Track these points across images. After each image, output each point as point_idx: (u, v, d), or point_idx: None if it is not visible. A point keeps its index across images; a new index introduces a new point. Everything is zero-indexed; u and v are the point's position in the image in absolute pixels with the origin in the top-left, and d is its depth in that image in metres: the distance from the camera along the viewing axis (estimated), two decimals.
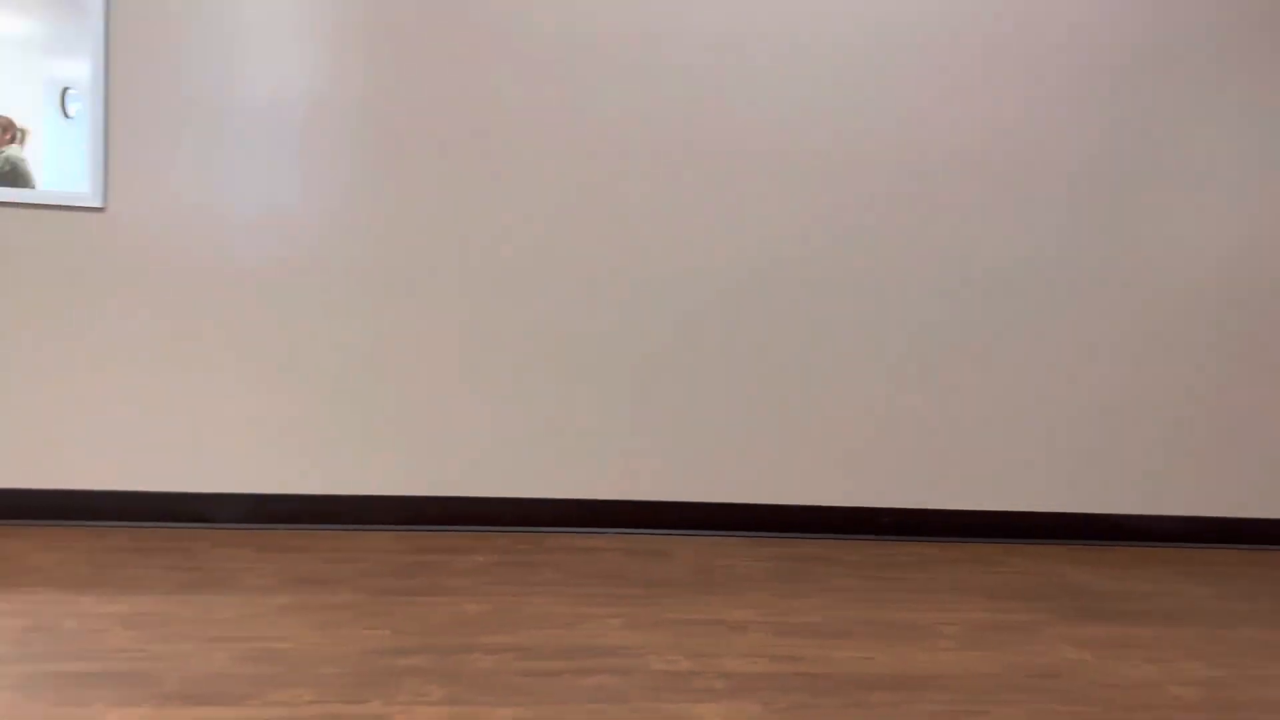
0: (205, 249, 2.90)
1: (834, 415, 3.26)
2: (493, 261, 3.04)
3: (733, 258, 3.15)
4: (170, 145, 2.86)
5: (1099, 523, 3.40)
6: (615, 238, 3.09)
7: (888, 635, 2.40)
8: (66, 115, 9.82)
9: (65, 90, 10.09)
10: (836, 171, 3.14)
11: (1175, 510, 3.43)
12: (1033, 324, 3.29)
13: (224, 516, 2.98)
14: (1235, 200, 3.31)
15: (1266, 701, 2.12)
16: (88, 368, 2.87)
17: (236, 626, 2.22)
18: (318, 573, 2.61)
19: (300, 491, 3.01)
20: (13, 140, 5.71)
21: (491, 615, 2.38)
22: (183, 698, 1.85)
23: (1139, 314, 3.33)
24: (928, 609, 2.62)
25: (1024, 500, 3.36)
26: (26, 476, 2.87)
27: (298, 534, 2.97)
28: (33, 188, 2.84)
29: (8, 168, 5.58)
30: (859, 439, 3.27)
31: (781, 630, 2.39)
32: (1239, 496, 3.45)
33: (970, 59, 3.16)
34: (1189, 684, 2.19)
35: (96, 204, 2.84)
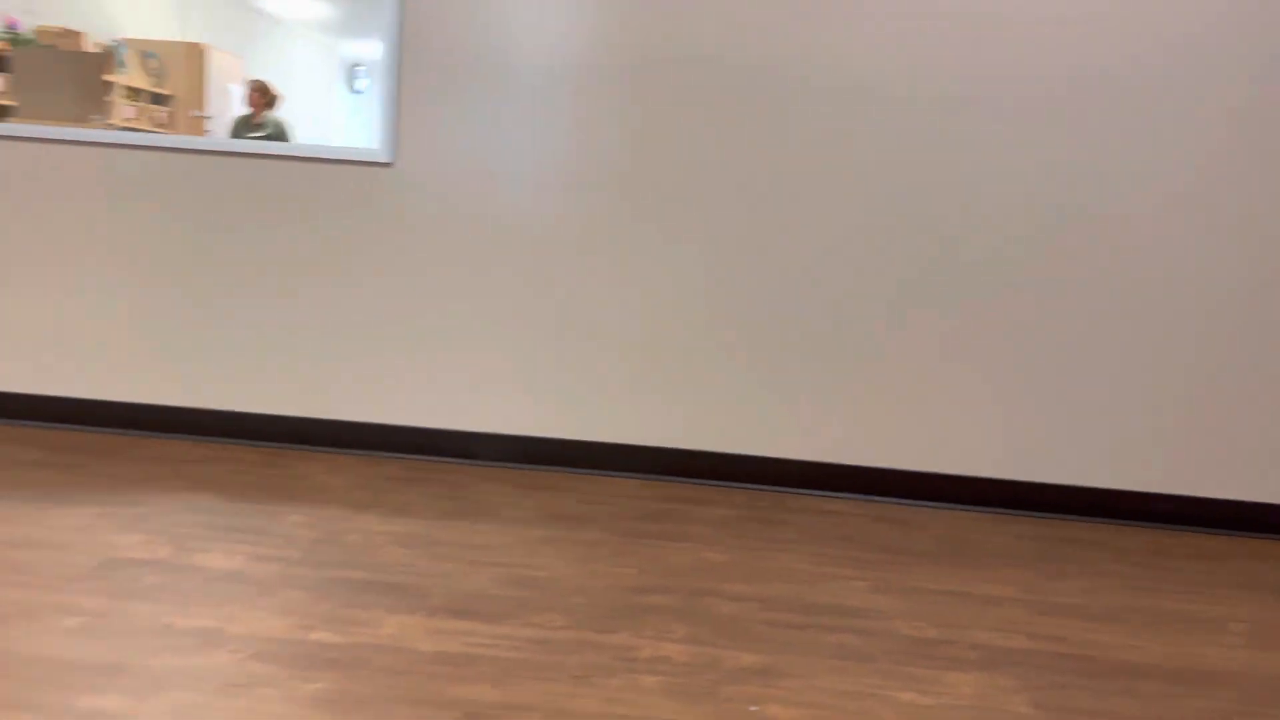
0: (482, 201, 3.07)
1: (1110, 395, 3.00)
2: (759, 219, 3.03)
3: (1016, 215, 2.97)
4: (453, 105, 3.04)
5: None
6: (881, 190, 2.99)
7: (1162, 625, 2.19)
8: (355, 90, 10.69)
9: (354, 67, 10.98)
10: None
11: None
12: None
13: (487, 454, 3.17)
14: None
15: None
16: (368, 309, 3.14)
17: (496, 553, 2.36)
18: (571, 511, 2.73)
19: (558, 436, 3.15)
20: (271, 105, 6.31)
21: (732, 565, 2.39)
22: (449, 611, 1.99)
23: None
24: (1208, 602, 2.37)
25: None
26: (319, 408, 3.18)
27: (553, 475, 3.11)
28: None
29: (273, 130, 6.18)
30: (1135, 421, 3.00)
31: (1041, 609, 2.24)
32: None
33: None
34: None
35: (386, 159, 3.08)
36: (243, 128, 6.47)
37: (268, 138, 3.46)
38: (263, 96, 6.21)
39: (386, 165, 3.09)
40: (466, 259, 3.10)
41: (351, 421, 3.18)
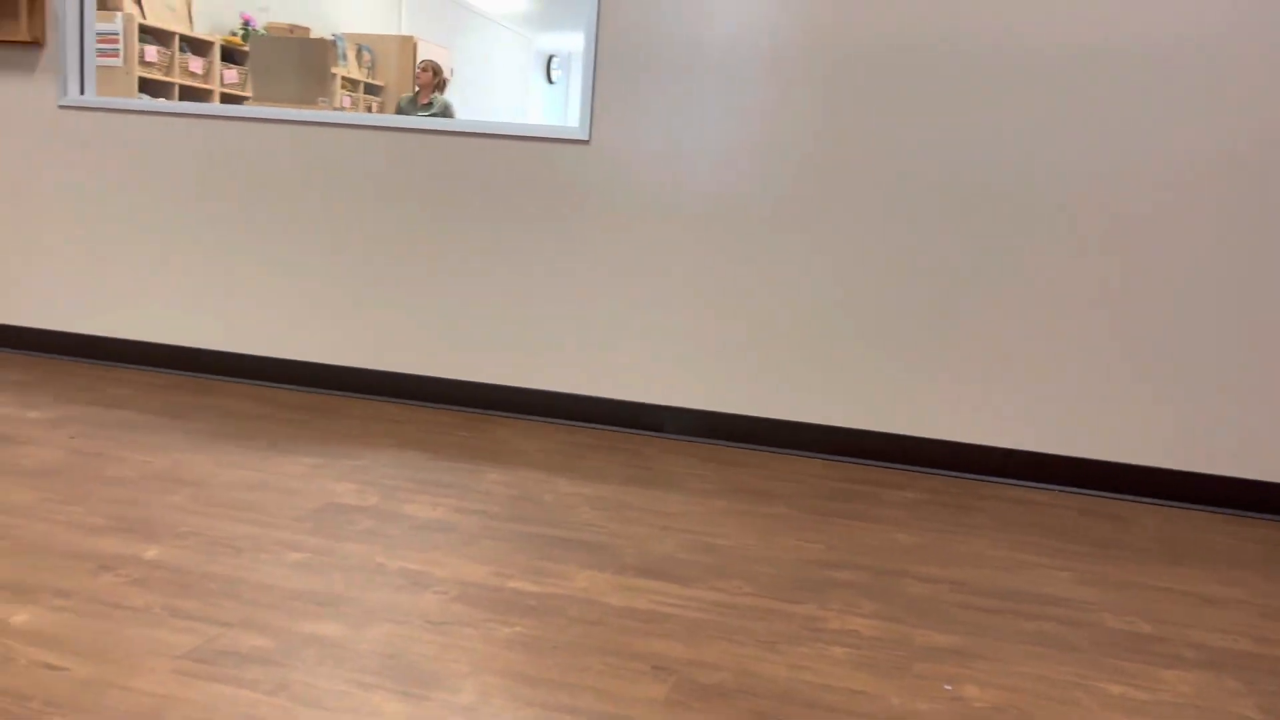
0: (673, 179, 3.11)
1: None
2: (951, 196, 2.92)
3: (1206, 209, 2.73)
4: (647, 85, 3.09)
5: None
6: (1078, 172, 2.81)
7: None
8: (550, 81, 11.02)
9: (550, 58, 11.30)
10: None
11: None
12: None
13: (673, 427, 3.21)
14: None
15: None
16: (563, 282, 3.23)
17: (682, 520, 2.38)
18: (754, 485, 2.72)
19: (744, 412, 3.15)
20: (440, 87, 6.56)
21: (923, 547, 2.31)
22: (638, 570, 2.03)
23: None
24: None
25: None
26: (516, 377, 3.31)
27: (737, 451, 3.11)
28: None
29: (440, 109, 6.42)
30: None
31: (1268, 613, 2.05)
32: None
33: None
34: None
35: (583, 137, 3.16)
36: (410, 106, 6.79)
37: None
38: (433, 77, 6.51)
39: (584, 143, 3.16)
40: (658, 234, 3.14)
41: (546, 390, 3.28)
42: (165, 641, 1.57)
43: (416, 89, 6.46)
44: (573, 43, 11.28)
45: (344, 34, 7.33)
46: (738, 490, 2.67)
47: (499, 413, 3.33)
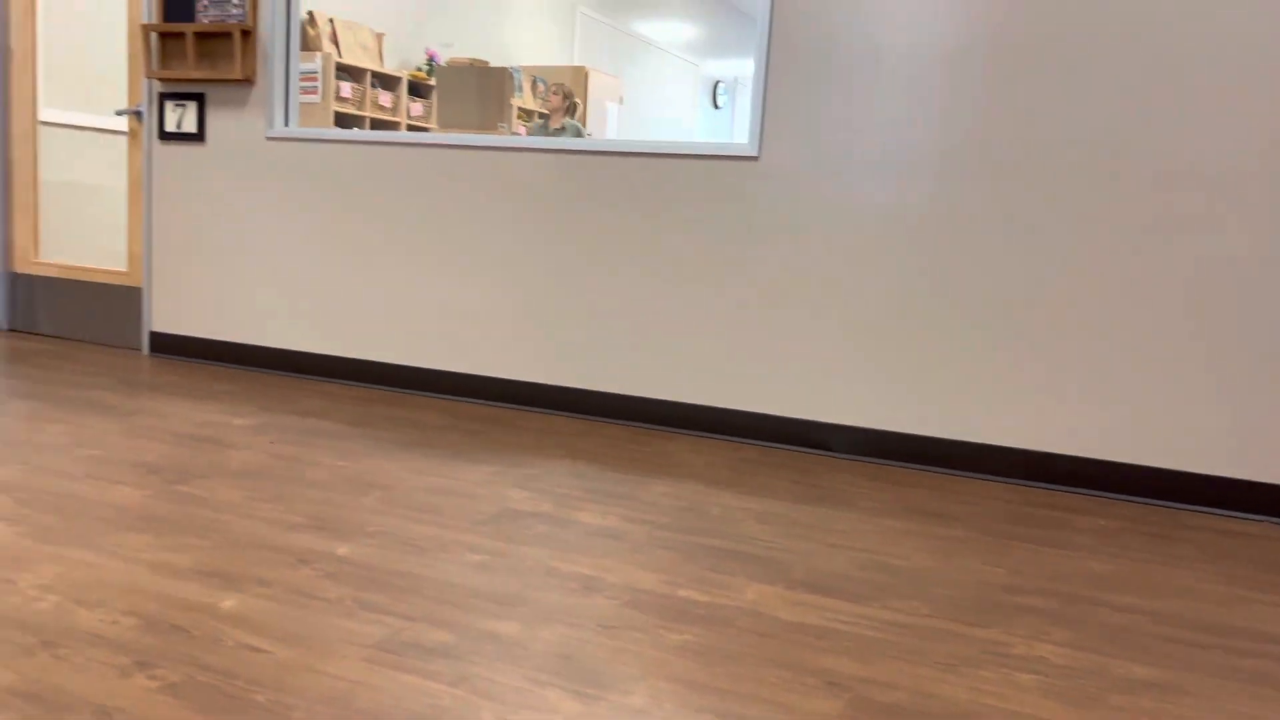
0: (847, 190, 3.06)
1: None
2: (1155, 203, 2.75)
3: None
4: (818, 96, 3.06)
5: None
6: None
7: None
8: (716, 106, 11.06)
9: (716, 84, 11.35)
10: None
11: None
12: None
13: (841, 446, 3.14)
14: None
15: None
16: (731, 298, 3.22)
17: (854, 538, 2.32)
18: (929, 506, 2.62)
19: (916, 432, 3.04)
20: (570, 111, 6.66)
21: (1120, 576, 2.16)
22: (809, 586, 1.99)
23: None
24: None
25: None
26: (682, 393, 3.32)
27: (909, 471, 3.01)
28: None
29: (571, 133, 6.51)
30: None
31: None
32: None
33: None
34: None
35: (752, 153, 3.15)
36: (541, 131, 6.95)
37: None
38: (563, 100, 6.65)
39: (753, 159, 3.16)
40: (828, 248, 3.10)
41: (712, 406, 3.28)
42: (355, 631, 1.65)
43: (548, 113, 6.63)
44: (739, 68, 11.34)
45: (520, 66, 7.63)
46: (911, 510, 2.58)
47: (666, 428, 3.35)
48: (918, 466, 3.05)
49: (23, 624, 1.59)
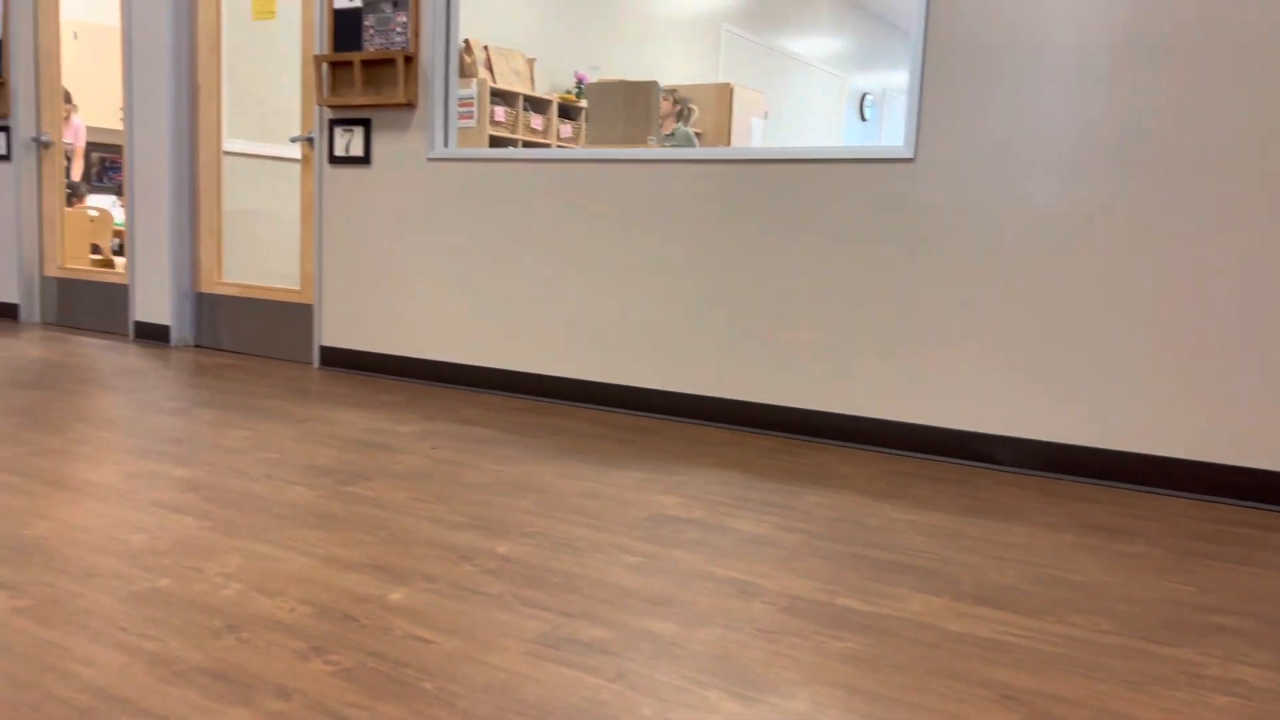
0: (1010, 191, 2.93)
1: None
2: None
3: None
4: (978, 94, 2.95)
5: None
6: None
7: None
8: (863, 119, 10.90)
9: (864, 96, 11.18)
10: None
11: None
12: None
13: (1005, 458, 2.99)
14: None
15: None
16: (885, 305, 3.13)
17: (1024, 551, 2.20)
18: (1106, 521, 2.47)
19: (1088, 444, 2.87)
20: (682, 117, 6.54)
21: None
22: (978, 599, 1.90)
23: None
24: None
25: None
26: (834, 403, 3.25)
27: (1081, 485, 2.85)
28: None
29: (682, 140, 6.41)
30: None
31: None
32: None
33: None
34: None
35: (908, 155, 3.07)
36: (659, 140, 6.87)
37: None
38: (674, 106, 6.59)
39: (908, 161, 3.07)
40: (991, 251, 2.97)
41: (864, 417, 3.20)
42: (516, 626, 1.67)
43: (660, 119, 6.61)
44: (886, 80, 11.12)
45: (665, 86, 7.71)
46: (1087, 525, 2.43)
47: (817, 439, 3.28)
48: (1092, 480, 2.88)
49: (210, 609, 1.69)
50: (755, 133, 7.94)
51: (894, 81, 11.21)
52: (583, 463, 2.84)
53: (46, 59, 5.29)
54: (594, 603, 1.79)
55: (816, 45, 9.92)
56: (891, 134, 11.04)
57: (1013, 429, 2.98)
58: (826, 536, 2.25)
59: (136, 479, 2.45)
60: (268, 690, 1.41)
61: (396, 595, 1.78)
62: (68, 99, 5.96)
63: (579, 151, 3.68)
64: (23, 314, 5.47)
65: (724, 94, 7.74)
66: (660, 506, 2.43)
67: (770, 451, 3.10)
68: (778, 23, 9.37)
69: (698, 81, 8.32)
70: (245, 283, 4.70)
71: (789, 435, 3.33)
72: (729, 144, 7.72)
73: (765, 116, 8.01)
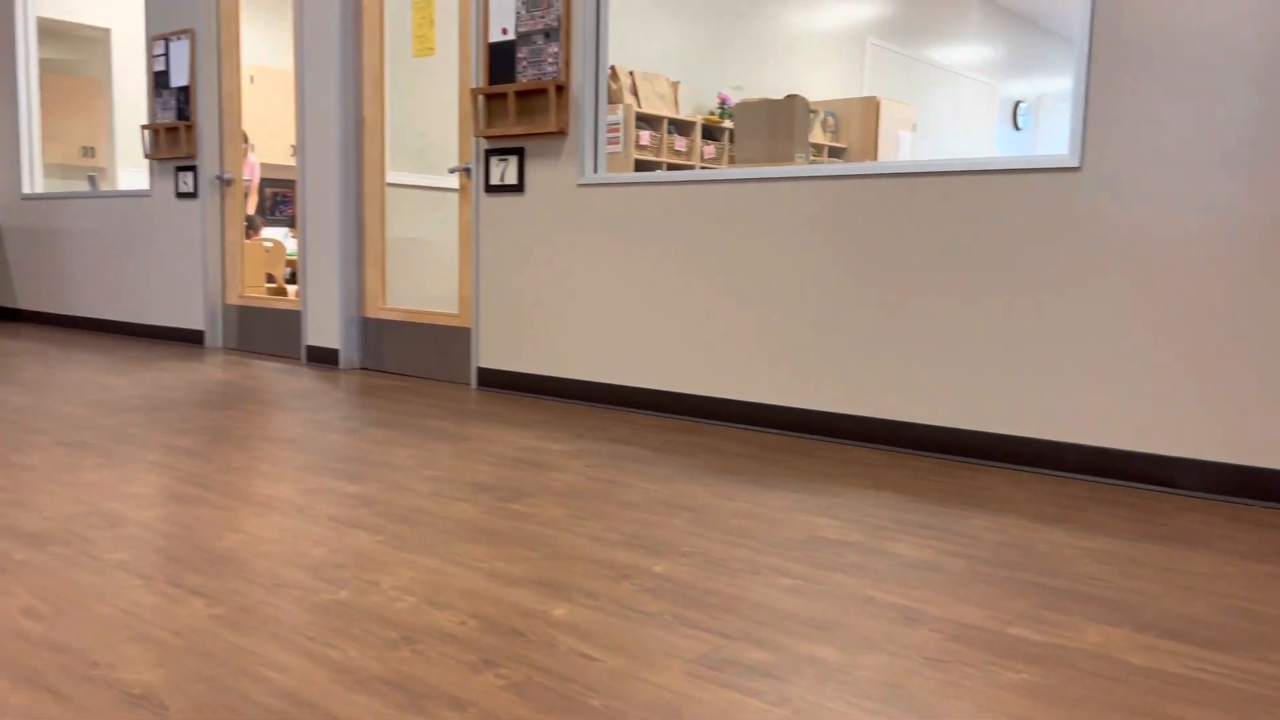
0: (1189, 198, 2.77)
1: None
2: None
3: None
4: (1151, 96, 2.80)
5: None
6: None
7: None
8: (1016, 127, 10.56)
9: (1017, 104, 10.82)
10: None
11: None
12: None
13: (1187, 482, 2.81)
14: None
15: None
16: (1050, 320, 3.00)
17: (1212, 581, 2.06)
18: None
19: (1271, 466, 2.67)
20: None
21: None
22: (1161, 630, 1.79)
23: None
24: None
25: None
26: (996, 423, 3.13)
27: (1273, 512, 2.64)
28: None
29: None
30: None
31: None
32: None
33: None
34: None
35: (1073, 164, 2.94)
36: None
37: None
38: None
39: (1073, 170, 2.94)
40: (1168, 261, 2.81)
41: (1029, 438, 3.06)
42: (677, 645, 1.68)
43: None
44: (1040, 86, 10.69)
45: (811, 102, 7.64)
46: None
47: (978, 460, 3.17)
48: None
49: (386, 620, 1.76)
50: (904, 145, 7.77)
51: (1049, 87, 10.77)
52: (734, 482, 2.83)
53: (228, 102, 5.71)
54: (754, 625, 1.77)
55: (965, 53, 9.65)
56: (1048, 142, 10.59)
57: (1196, 451, 2.80)
58: (993, 562, 2.16)
59: (314, 494, 2.60)
60: (443, 701, 1.46)
61: (560, 611, 1.82)
62: (244, 139, 6.40)
63: (722, 172, 3.70)
64: (207, 339, 5.89)
65: (870, 108, 7.61)
66: (816, 528, 2.39)
67: (927, 473, 3.01)
68: (924, 33, 9.16)
69: (842, 97, 8.22)
70: (407, 307, 4.92)
71: (945, 456, 3.23)
72: (875, 158, 7.58)
73: (914, 129, 7.83)
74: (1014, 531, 2.40)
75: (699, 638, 1.71)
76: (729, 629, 1.75)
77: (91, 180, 7.28)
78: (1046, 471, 3.04)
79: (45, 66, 7.41)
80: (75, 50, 8.03)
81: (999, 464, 3.13)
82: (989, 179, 3.10)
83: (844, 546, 2.25)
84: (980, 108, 9.94)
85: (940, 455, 3.24)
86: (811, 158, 7.33)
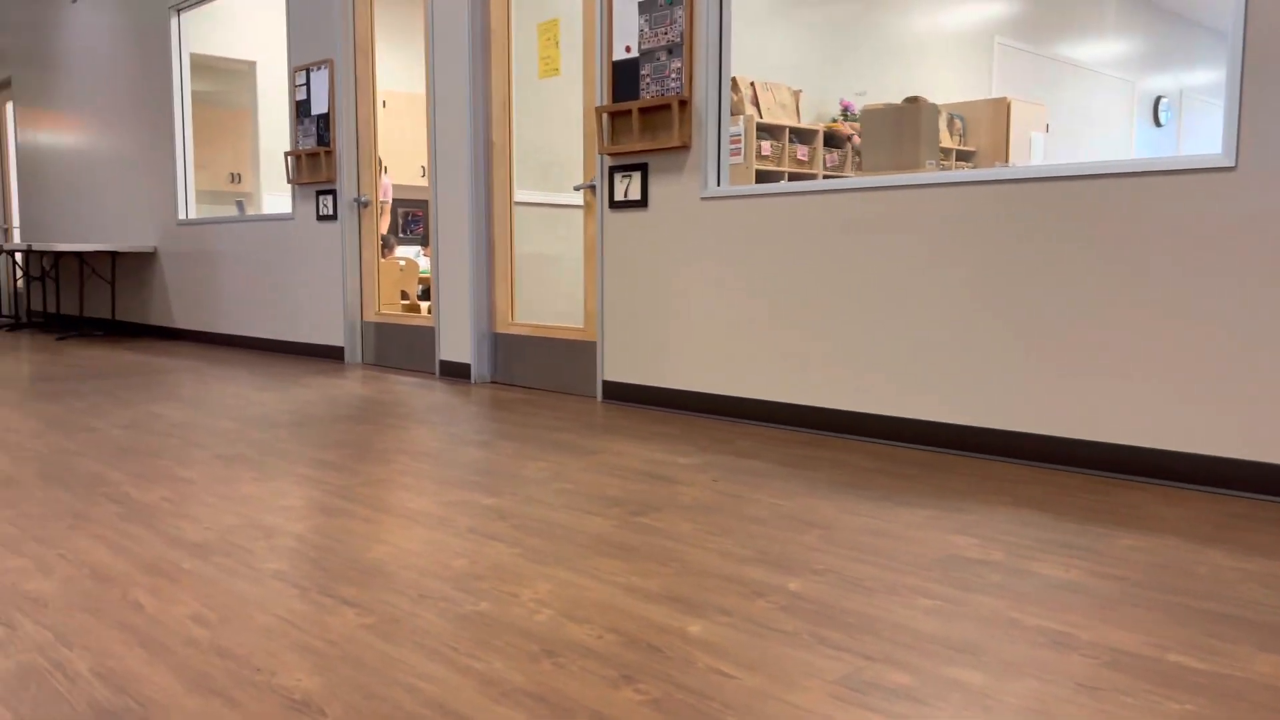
0: None
1: None
2: None
3: None
4: None
5: None
6: None
7: None
8: (1157, 124, 10.07)
9: (1158, 100, 10.32)
10: None
11: None
12: None
13: None
14: None
15: None
16: (1203, 332, 2.84)
17: None
18: None
19: None
20: None
21: None
22: None
23: None
24: None
25: None
26: (1153, 438, 2.98)
27: None
28: None
29: None
30: None
31: None
32: None
33: None
34: None
35: (1227, 164, 2.78)
36: None
37: None
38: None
39: (1227, 170, 2.79)
40: None
41: (1183, 452, 2.91)
42: (816, 665, 1.66)
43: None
44: (1183, 80, 10.15)
45: (937, 105, 7.46)
46: None
47: (1126, 476, 3.02)
48: None
49: (527, 633, 1.80)
50: (1036, 147, 7.51)
51: (1192, 81, 10.21)
52: (864, 498, 2.78)
53: (364, 128, 5.97)
54: (894, 646, 1.74)
55: (1100, 49, 9.25)
56: (1193, 140, 10.04)
57: None
58: (1147, 585, 2.06)
59: (452, 507, 2.68)
60: (585, 715, 1.48)
61: (695, 628, 1.83)
62: (378, 162, 6.66)
63: (847, 181, 3.65)
64: (347, 355, 6.15)
65: (999, 109, 7.39)
66: (953, 547, 2.33)
67: (1071, 489, 2.89)
68: (1056, 29, 8.83)
69: (970, 99, 7.99)
70: (535, 323, 5.03)
71: (1089, 471, 3.09)
72: (1006, 161, 7.35)
73: (1047, 130, 7.56)
74: (1168, 552, 2.28)
75: (839, 658, 1.69)
76: (869, 650, 1.72)
77: (240, 205, 7.72)
78: (1204, 488, 2.88)
79: (196, 99, 7.90)
80: (223, 83, 8.54)
81: (1150, 480, 2.98)
82: (1127, 182, 2.97)
83: (983, 566, 2.18)
84: (1118, 105, 9.51)
85: (1083, 470, 3.10)
86: (941, 163, 7.16)
